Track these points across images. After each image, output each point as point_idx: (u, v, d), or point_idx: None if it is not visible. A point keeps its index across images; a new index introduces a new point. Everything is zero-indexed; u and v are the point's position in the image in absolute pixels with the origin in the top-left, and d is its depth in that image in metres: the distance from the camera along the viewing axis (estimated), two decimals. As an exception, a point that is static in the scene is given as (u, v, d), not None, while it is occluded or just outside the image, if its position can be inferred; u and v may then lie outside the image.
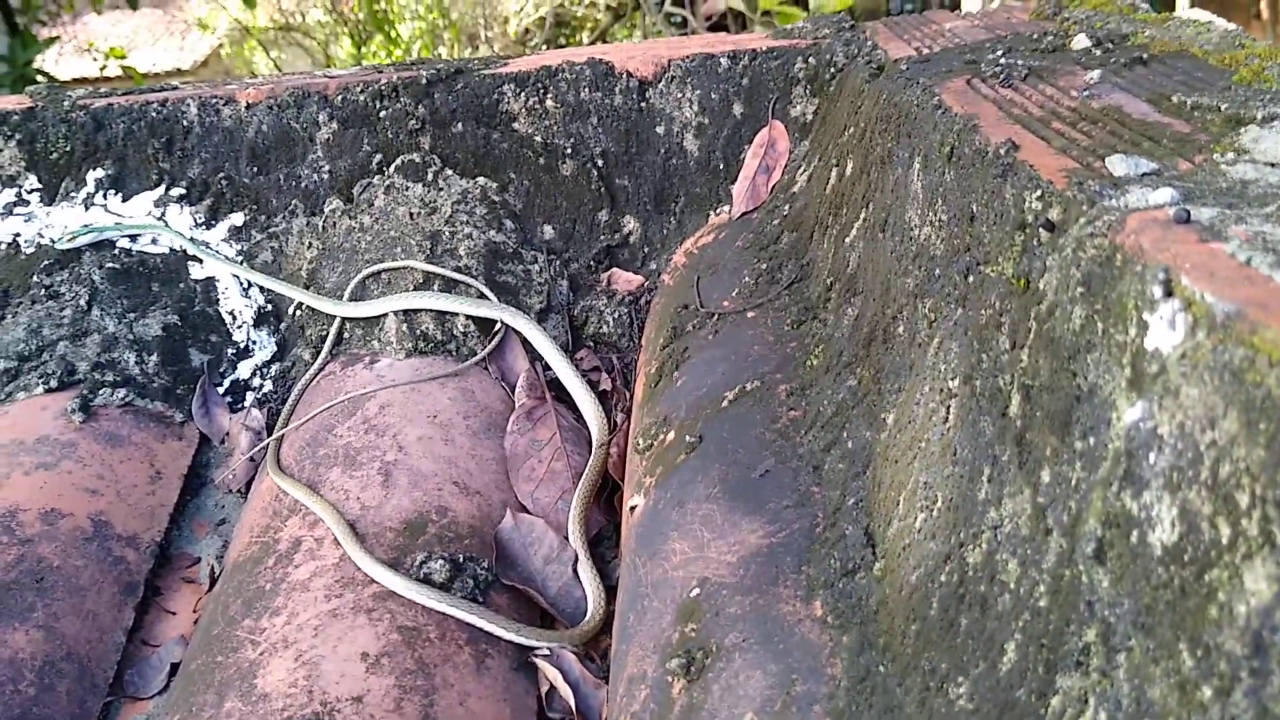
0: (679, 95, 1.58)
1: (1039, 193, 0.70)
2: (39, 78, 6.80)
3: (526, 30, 15.64)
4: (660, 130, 1.59)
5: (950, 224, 0.88)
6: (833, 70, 1.52)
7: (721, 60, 1.57)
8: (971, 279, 0.80)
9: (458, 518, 1.21)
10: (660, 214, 1.60)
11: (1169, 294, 0.51)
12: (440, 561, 1.13)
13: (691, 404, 1.21)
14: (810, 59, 1.55)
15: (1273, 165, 0.68)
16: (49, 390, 1.42)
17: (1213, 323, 0.47)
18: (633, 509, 1.18)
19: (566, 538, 1.24)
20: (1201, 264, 0.50)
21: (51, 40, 7.37)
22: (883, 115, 1.14)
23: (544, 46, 15.66)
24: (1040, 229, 0.67)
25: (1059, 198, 0.67)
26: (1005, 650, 0.62)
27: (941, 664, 0.68)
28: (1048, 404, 0.63)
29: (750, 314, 1.30)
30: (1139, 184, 0.66)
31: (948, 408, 0.80)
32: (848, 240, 1.18)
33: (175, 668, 1.18)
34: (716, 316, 1.32)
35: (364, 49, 15.92)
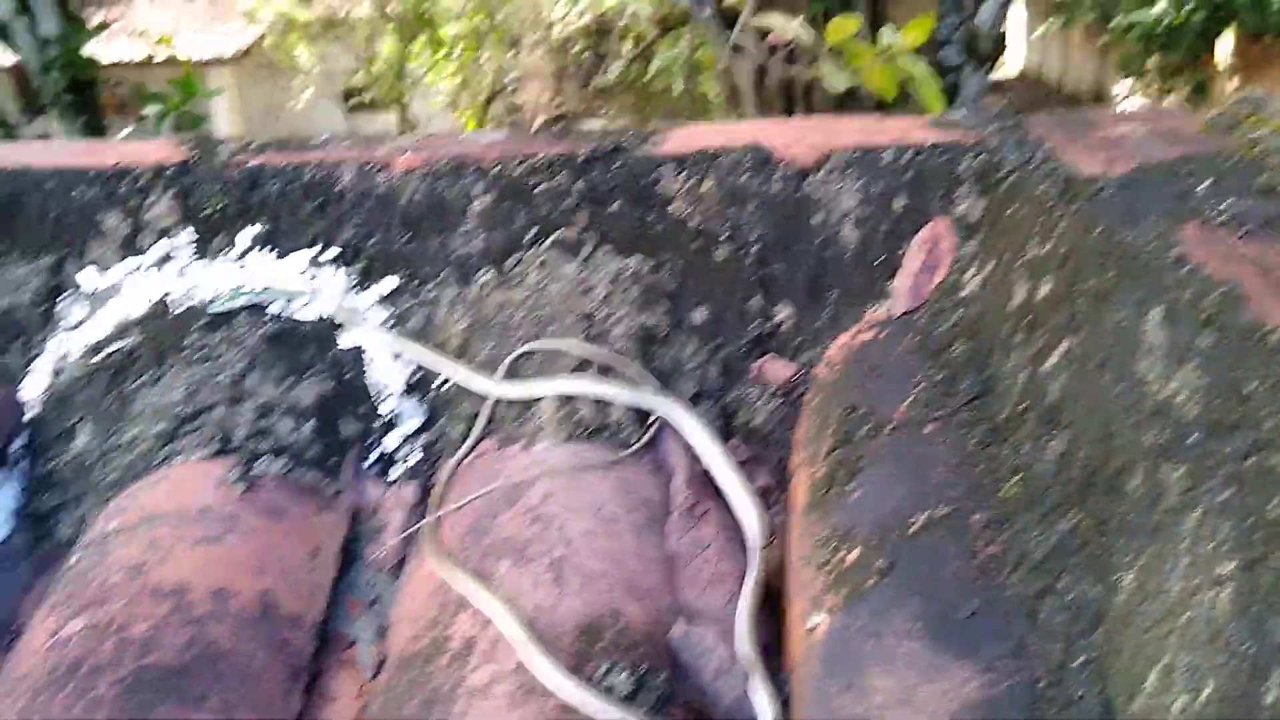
0: (839, 185, 1.57)
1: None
2: (88, 62, 6.89)
3: (569, 37, 15.74)
4: (818, 219, 1.58)
5: (1210, 393, 0.86)
6: (1003, 171, 1.50)
7: (884, 154, 1.56)
8: (1250, 462, 0.78)
9: (631, 623, 1.20)
10: (814, 304, 1.58)
11: None
12: (624, 674, 1.12)
13: (874, 523, 1.19)
14: (978, 157, 1.54)
15: None
16: (207, 457, 1.42)
17: None
18: (811, 628, 1.16)
19: (736, 651, 1.22)
20: None
21: (102, 26, 7.50)
22: (1097, 248, 1.12)
23: (585, 55, 15.73)
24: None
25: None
26: None
27: None
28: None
29: (926, 429, 1.28)
30: None
31: (1218, 593, 0.78)
32: (1046, 367, 1.17)
33: (343, 761, 1.17)
34: (890, 428, 1.31)
35: (407, 48, 16.07)
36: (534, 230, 1.61)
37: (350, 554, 1.43)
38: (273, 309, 1.59)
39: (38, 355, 1.64)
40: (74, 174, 1.67)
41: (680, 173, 1.59)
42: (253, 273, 1.62)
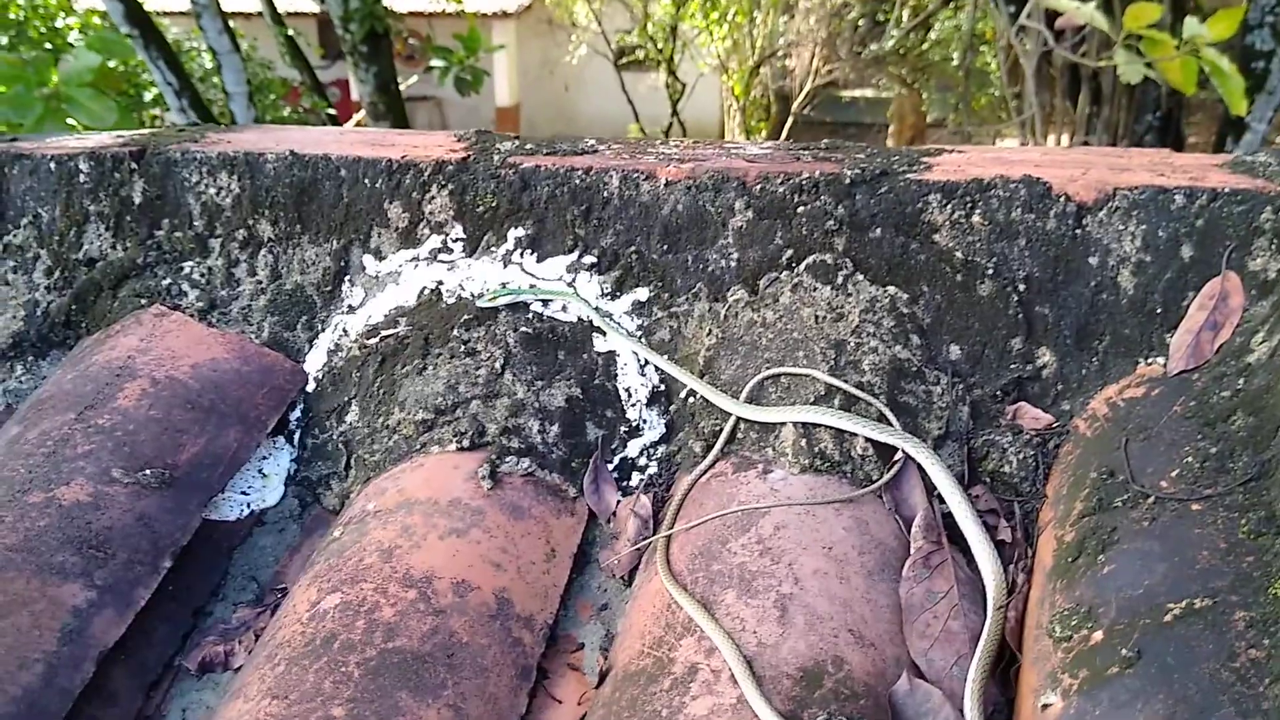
0: (1120, 227, 1.48)
1: None
2: (384, 14, 7.32)
3: (845, 3, 15.41)
4: (1093, 261, 1.49)
5: None
6: (1309, 227, 1.37)
7: (1176, 197, 1.45)
8: None
9: (853, 672, 1.18)
10: (1080, 351, 1.50)
11: None
12: (839, 726, 1.11)
13: (1125, 604, 1.12)
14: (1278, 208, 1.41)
15: None
16: (460, 449, 1.50)
17: None
18: (1045, 706, 1.11)
19: (962, 713, 1.18)
20: None
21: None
22: None
23: (861, 21, 15.37)
24: None
25: None
26: None
27: None
28: None
29: (1195, 506, 1.19)
30: None
31: None
32: (1337, 459, 1.06)
33: (562, 765, 1.22)
34: (1153, 500, 1.23)
35: (681, 9, 16.18)
36: (790, 251, 1.60)
37: (584, 557, 1.48)
38: (534, 308, 1.65)
39: (320, 333, 1.77)
40: (365, 164, 1.78)
41: (949, 203, 1.53)
42: (517, 272, 1.69)
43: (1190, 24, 4.29)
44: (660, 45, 16.67)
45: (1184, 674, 1.02)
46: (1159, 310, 1.47)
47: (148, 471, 1.46)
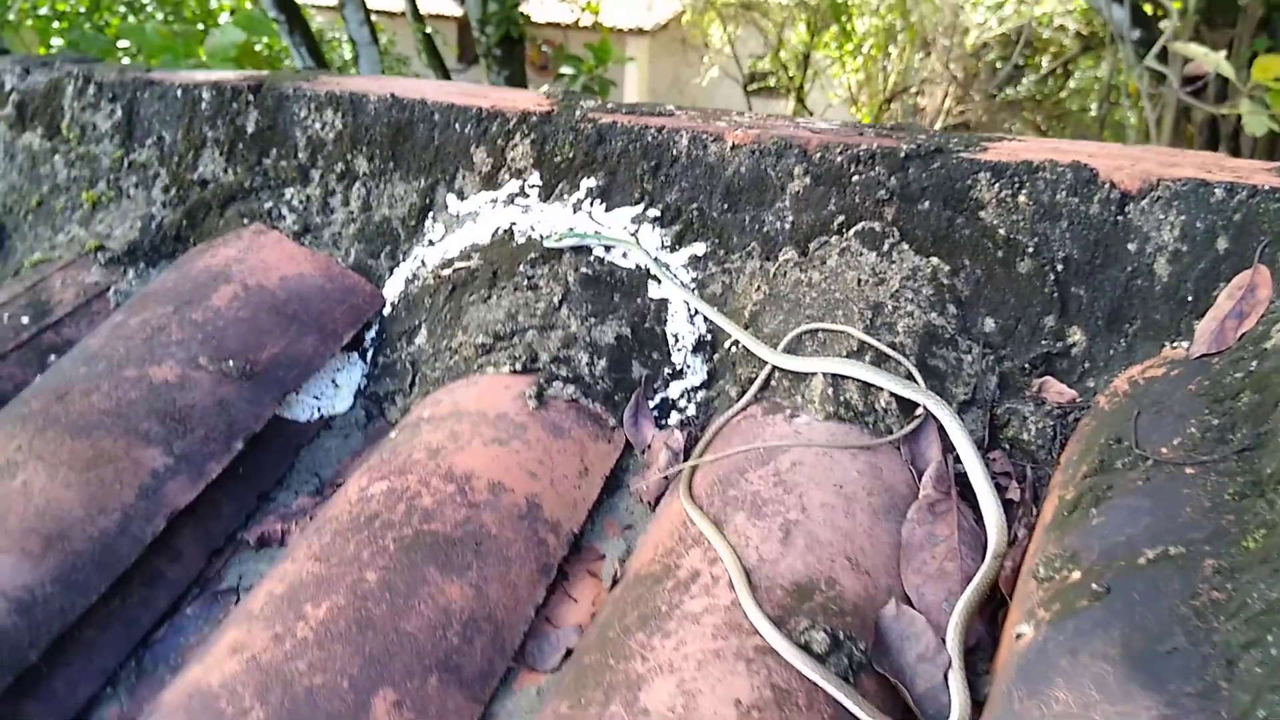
0: (1161, 216, 1.53)
1: None
2: (521, 20, 7.52)
3: (985, 44, 15.22)
4: (1132, 247, 1.55)
5: None
6: (1341, 227, 1.41)
7: (1217, 190, 1.50)
8: None
9: (844, 592, 1.26)
10: (1110, 332, 1.55)
11: None
12: (822, 633, 1.19)
13: (1105, 549, 1.19)
14: (1318, 209, 1.45)
15: None
16: (513, 371, 1.61)
17: None
18: (1018, 636, 1.18)
19: (944, 640, 1.26)
20: None
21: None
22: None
23: (998, 64, 15.16)
24: None
25: None
26: None
27: None
28: None
29: (1189, 470, 1.25)
30: None
31: None
32: (1321, 429, 1.11)
33: (569, 652, 1.32)
34: (1151, 463, 1.28)
35: (816, 38, 16.18)
36: (842, 217, 1.68)
37: (616, 482, 1.58)
38: (596, 253, 1.76)
39: (400, 262, 1.91)
40: (457, 111, 1.91)
41: (997, 181, 1.60)
42: (585, 219, 1.80)
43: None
44: (792, 73, 16.72)
45: (1146, 608, 1.08)
46: (1190, 298, 1.52)
47: (230, 363, 1.60)
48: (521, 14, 7.69)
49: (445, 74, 10.59)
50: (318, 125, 2.00)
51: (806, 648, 1.18)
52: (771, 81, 17.61)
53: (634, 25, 17.57)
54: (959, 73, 15.69)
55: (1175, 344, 1.51)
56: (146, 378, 1.54)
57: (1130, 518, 1.22)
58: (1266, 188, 1.49)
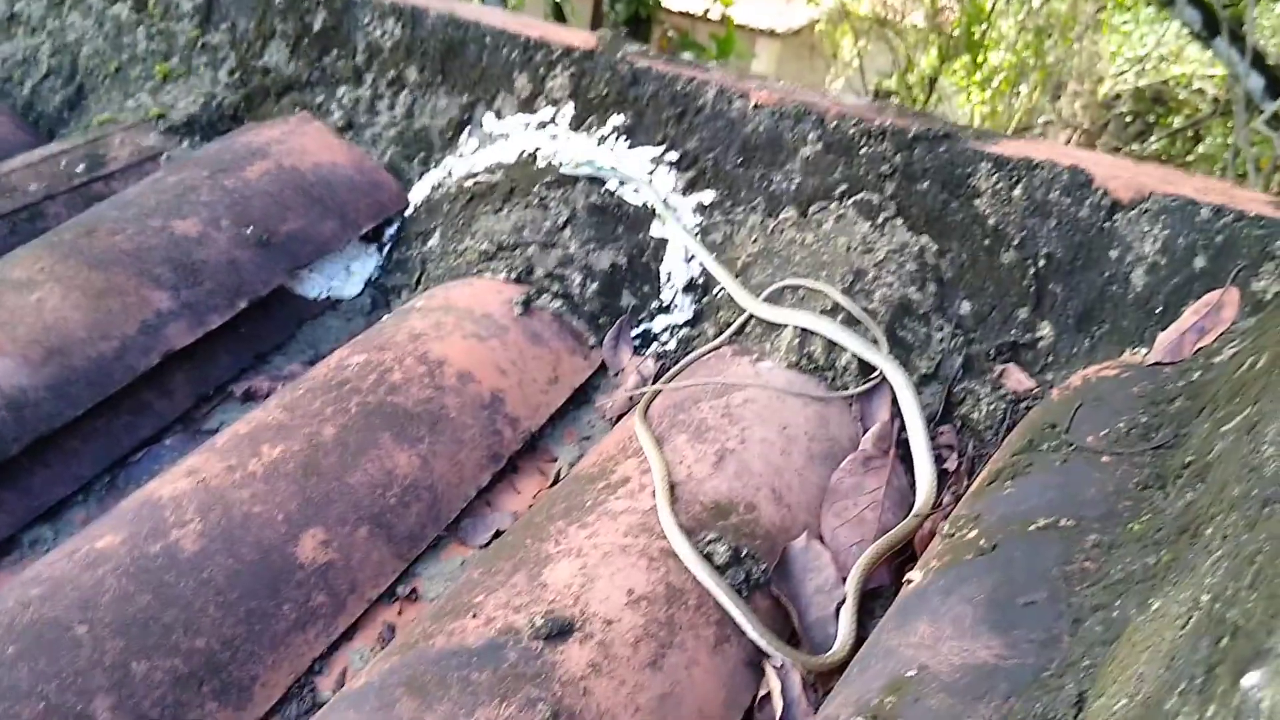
0: (1146, 228, 1.57)
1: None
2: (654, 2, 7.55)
3: (1118, 96, 14.92)
4: (1113, 254, 1.59)
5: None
6: (1314, 260, 1.44)
7: (1203, 210, 1.54)
8: (1266, 510, 0.80)
9: (760, 519, 1.34)
10: (1078, 332, 1.60)
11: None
12: (726, 547, 1.27)
13: (1005, 514, 1.24)
14: (1296, 240, 1.48)
15: None
16: (509, 280, 1.71)
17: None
18: (908, 582, 1.24)
19: (844, 579, 1.32)
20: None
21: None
22: (1306, 324, 1.10)
23: (1131, 119, 14.85)
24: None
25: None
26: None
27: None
28: (1237, 650, 0.65)
29: (1106, 458, 1.30)
30: None
31: (1190, 617, 0.81)
32: (1222, 429, 1.16)
33: (499, 533, 1.41)
34: (1074, 448, 1.33)
35: (946, 64, 15.99)
36: (845, 186, 1.74)
37: (587, 397, 1.67)
38: (609, 185, 1.85)
39: (431, 169, 2.01)
40: (507, 36, 2.00)
41: (996, 173, 1.65)
42: (608, 153, 1.88)
43: None
44: (916, 95, 16.52)
45: (1022, 565, 1.14)
46: (1159, 310, 1.55)
47: (249, 229, 1.72)
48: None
49: None
50: (378, 32, 2.10)
51: (708, 557, 1.26)
52: (895, 101, 17.43)
53: (766, 26, 17.49)
54: (1086, 121, 15.38)
55: (1135, 350, 1.56)
56: (169, 229, 1.66)
57: (1038, 491, 1.27)
58: (1253, 214, 1.52)
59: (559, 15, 10.25)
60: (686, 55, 8.79)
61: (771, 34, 18.03)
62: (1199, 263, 1.54)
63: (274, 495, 1.28)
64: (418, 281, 1.85)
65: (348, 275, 1.88)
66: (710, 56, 8.88)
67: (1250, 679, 0.58)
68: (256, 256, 1.70)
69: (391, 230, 1.95)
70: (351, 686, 1.13)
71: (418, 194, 1.98)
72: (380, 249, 1.94)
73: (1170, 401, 1.38)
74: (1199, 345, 1.49)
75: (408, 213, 1.96)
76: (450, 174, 1.96)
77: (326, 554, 1.26)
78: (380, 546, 1.31)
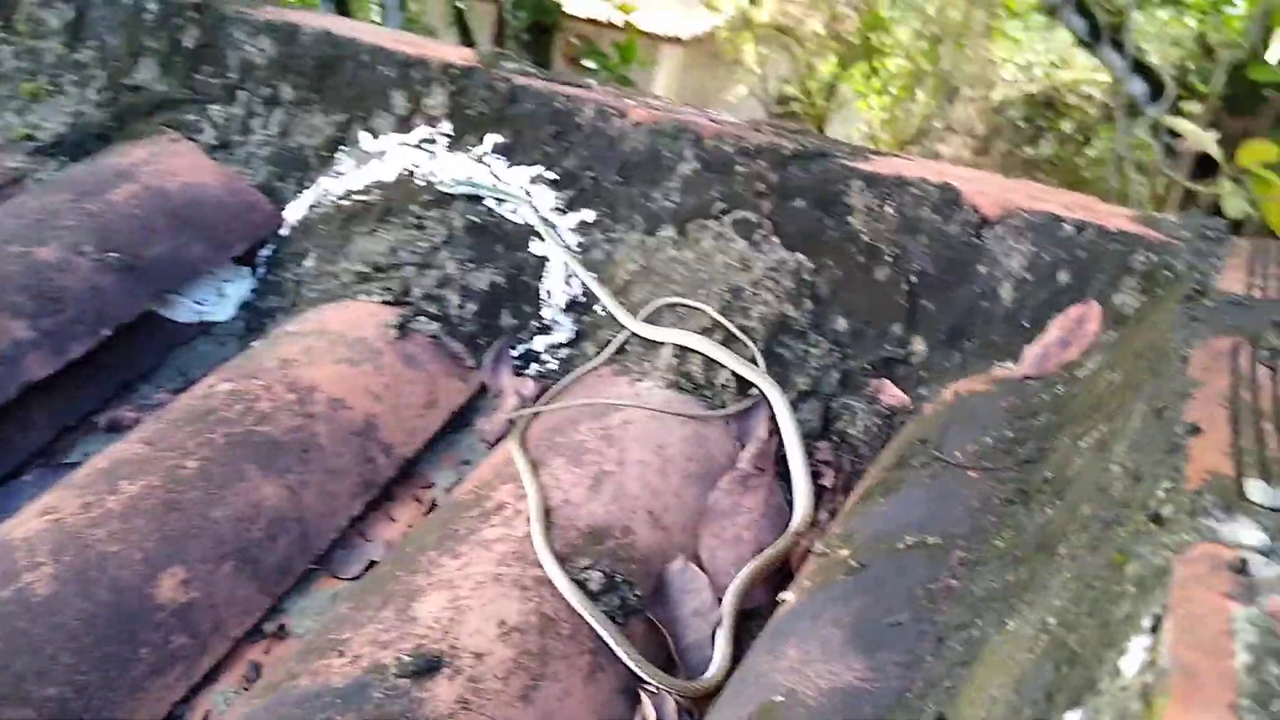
0: (1012, 244, 1.60)
1: (1171, 486, 0.71)
2: (552, 8, 7.52)
3: (1010, 101, 15.27)
4: (982, 269, 1.62)
5: (1129, 474, 0.89)
6: (1169, 274, 1.49)
7: (1066, 225, 1.58)
8: (1109, 533, 0.81)
9: (637, 542, 1.33)
10: (950, 347, 1.63)
11: (1154, 631, 0.54)
12: (600, 574, 1.26)
13: (875, 533, 1.26)
14: (1153, 256, 1.52)
15: None
16: (384, 302, 1.68)
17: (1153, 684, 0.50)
18: (781, 602, 1.25)
19: (721, 601, 1.32)
20: (1192, 626, 0.53)
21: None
22: (1154, 343, 1.13)
23: (1022, 122, 15.21)
24: (1150, 519, 0.70)
25: (1180, 498, 0.69)
26: None
27: None
28: (1068, 677, 0.66)
29: (973, 474, 1.32)
30: (1256, 516, 0.66)
31: (1039, 641, 0.82)
32: (1081, 444, 1.19)
33: (373, 563, 1.39)
34: (943, 464, 1.36)
35: (845, 71, 16.21)
36: (723, 204, 1.75)
37: (466, 420, 1.65)
38: (488, 204, 1.83)
39: (307, 189, 1.97)
40: (384, 53, 1.97)
41: (869, 190, 1.67)
42: (487, 172, 1.87)
43: (1300, 170, 4.29)
44: (816, 102, 16.70)
45: (889, 586, 1.15)
46: (1027, 324, 1.59)
47: (114, 254, 1.66)
48: (555, 3, 7.68)
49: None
50: (251, 49, 2.06)
51: (582, 584, 1.25)
52: (796, 108, 17.62)
53: (672, 33, 17.54)
54: (981, 126, 15.72)
55: (1004, 365, 1.59)
56: (29, 255, 1.60)
57: (907, 509, 1.29)
58: (1114, 230, 1.57)
59: (461, 24, 10.15)
60: (589, 63, 8.79)
61: (675, 41, 18.12)
62: (1063, 278, 1.58)
63: (132, 534, 1.24)
64: (293, 304, 1.81)
65: (220, 299, 1.83)
66: (612, 65, 8.88)
67: (1073, 717, 0.59)
68: (121, 282, 1.64)
69: (266, 252, 1.90)
70: (212, 731, 1.10)
71: (293, 214, 1.94)
72: (254, 271, 1.89)
73: (1035, 415, 1.41)
74: (1064, 359, 1.53)
75: (285, 233, 1.92)
76: (326, 194, 1.93)
77: (187, 593, 1.22)
78: (245, 583, 1.27)
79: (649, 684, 1.22)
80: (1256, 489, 0.69)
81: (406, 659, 1.10)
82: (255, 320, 1.83)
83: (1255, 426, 0.83)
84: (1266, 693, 0.51)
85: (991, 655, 0.94)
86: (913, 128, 16.23)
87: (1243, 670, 0.52)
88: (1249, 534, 0.62)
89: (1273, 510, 0.68)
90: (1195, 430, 0.79)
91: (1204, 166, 6.39)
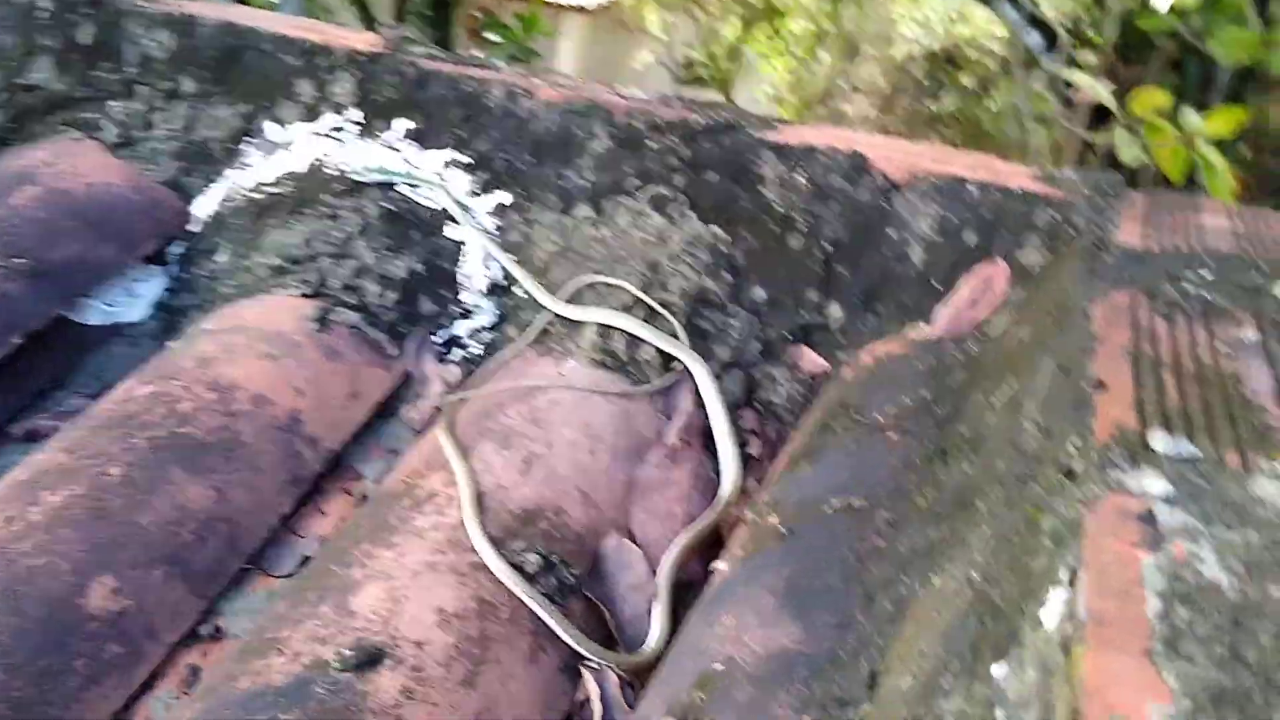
0: (920, 207, 1.64)
1: (1080, 440, 0.75)
2: None
3: (911, 58, 15.46)
4: (893, 234, 1.66)
5: (1040, 430, 0.92)
6: (1071, 231, 1.54)
7: (971, 188, 1.62)
8: (1023, 489, 0.85)
9: (569, 521, 1.35)
10: (865, 311, 1.66)
11: (1071, 584, 0.57)
12: (536, 555, 1.27)
13: (801, 498, 1.29)
14: (1055, 213, 1.57)
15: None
16: (302, 295, 1.66)
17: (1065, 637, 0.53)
18: (713, 571, 1.28)
19: (656, 574, 1.35)
20: (1104, 576, 0.56)
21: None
22: (1058, 301, 1.18)
23: (924, 80, 15.40)
24: (1064, 473, 0.73)
25: (1089, 452, 0.72)
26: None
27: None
28: (991, 630, 0.69)
29: (893, 435, 1.36)
30: (1160, 465, 0.70)
31: (963, 595, 0.86)
32: (994, 402, 1.23)
33: (306, 560, 1.38)
34: (863, 427, 1.39)
35: (749, 33, 16.24)
36: (637, 180, 1.76)
37: (392, 409, 1.64)
38: (402, 190, 1.82)
39: (215, 183, 1.94)
40: (287, 42, 1.94)
41: (780, 160, 1.70)
42: (399, 158, 1.85)
43: (1188, 115, 4.41)
44: (722, 66, 16.70)
45: (818, 550, 1.18)
46: (938, 286, 1.63)
47: (20, 260, 1.62)
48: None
49: (372, 30, 10.32)
50: (149, 42, 2.01)
51: (519, 567, 1.26)
52: (702, 73, 17.62)
53: (574, 2, 17.39)
54: (884, 84, 15.87)
55: (918, 326, 1.63)
56: (-73, 265, 1.56)
57: (832, 473, 1.32)
58: (1016, 189, 1.61)
59: (360, 2, 9.95)
60: (491, 35, 8.68)
61: (580, 10, 18.00)
62: (970, 238, 1.62)
63: (58, 544, 1.22)
64: (208, 301, 1.78)
65: (132, 299, 1.80)
66: (515, 35, 8.79)
67: (999, 669, 0.62)
68: (28, 288, 1.60)
69: (177, 249, 1.87)
70: (154, 738, 1.09)
71: (203, 209, 1.91)
72: (166, 269, 1.86)
73: (950, 374, 1.46)
74: (975, 318, 1.57)
75: (195, 229, 1.89)
76: (236, 187, 1.90)
77: (119, 601, 1.21)
78: (177, 587, 1.26)
79: (590, 660, 1.24)
80: (1160, 439, 0.73)
81: (347, 653, 1.11)
82: (170, 319, 1.80)
83: (1156, 378, 0.87)
84: (1175, 635, 0.55)
85: (919, 611, 0.98)
86: (818, 88, 16.34)
87: (1154, 616, 0.55)
88: (1154, 483, 0.66)
89: (1175, 459, 0.72)
90: (1100, 385, 0.82)
91: (1100, 115, 6.56)
